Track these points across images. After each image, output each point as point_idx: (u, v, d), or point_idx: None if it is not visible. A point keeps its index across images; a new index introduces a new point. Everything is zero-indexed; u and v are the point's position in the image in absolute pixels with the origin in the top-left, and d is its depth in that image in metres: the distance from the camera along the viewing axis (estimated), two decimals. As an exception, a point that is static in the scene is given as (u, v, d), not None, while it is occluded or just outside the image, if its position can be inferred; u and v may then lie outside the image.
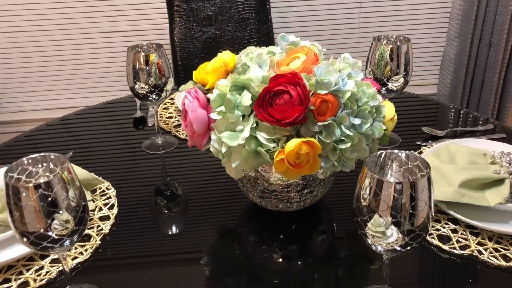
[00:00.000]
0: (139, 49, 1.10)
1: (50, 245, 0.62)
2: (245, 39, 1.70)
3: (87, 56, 2.23)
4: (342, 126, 0.75)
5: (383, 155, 0.67)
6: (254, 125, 0.74)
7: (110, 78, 2.28)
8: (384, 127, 0.80)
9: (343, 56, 0.83)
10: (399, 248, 0.62)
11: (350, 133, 0.75)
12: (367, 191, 0.61)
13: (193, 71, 0.84)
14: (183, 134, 1.19)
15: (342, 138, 0.75)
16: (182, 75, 1.73)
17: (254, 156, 0.75)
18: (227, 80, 0.79)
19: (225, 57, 0.82)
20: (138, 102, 1.34)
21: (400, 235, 0.61)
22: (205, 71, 0.81)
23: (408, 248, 0.62)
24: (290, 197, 0.85)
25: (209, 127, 0.80)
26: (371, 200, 0.61)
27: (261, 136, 0.74)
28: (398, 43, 1.05)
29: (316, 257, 0.82)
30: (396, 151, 0.67)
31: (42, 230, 0.61)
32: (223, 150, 0.76)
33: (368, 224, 0.62)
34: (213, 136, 0.78)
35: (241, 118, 0.76)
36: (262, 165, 0.78)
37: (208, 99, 0.80)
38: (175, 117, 1.27)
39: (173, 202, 0.98)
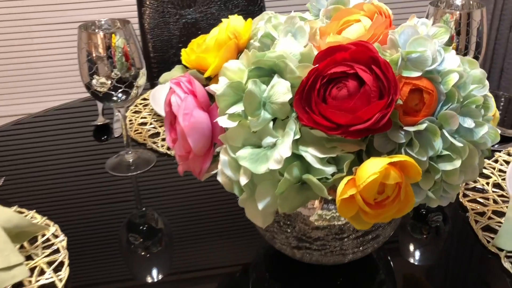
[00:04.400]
0: (96, 27, 0.77)
1: None
2: (232, 24, 1.38)
3: (32, 54, 1.85)
4: (445, 132, 0.44)
5: None
6: (297, 136, 0.42)
7: (60, 78, 1.89)
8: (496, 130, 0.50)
9: (418, 20, 0.51)
10: None
11: (459, 144, 0.44)
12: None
13: (182, 50, 0.52)
14: (163, 146, 0.86)
15: (446, 152, 0.44)
16: (156, 70, 1.39)
17: (298, 189, 0.43)
18: (242, 60, 0.47)
19: (235, 23, 0.49)
20: (100, 104, 1.00)
21: None
22: (202, 48, 0.49)
23: None
24: (344, 247, 0.53)
25: (214, 141, 0.48)
26: None
27: (310, 154, 0.42)
28: (468, 8, 0.75)
29: None
30: None
31: None
32: (242, 181, 0.43)
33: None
34: (222, 157, 0.45)
35: (272, 124, 0.44)
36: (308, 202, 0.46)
37: (210, 94, 0.48)
38: (151, 123, 0.94)
39: (153, 240, 0.66)
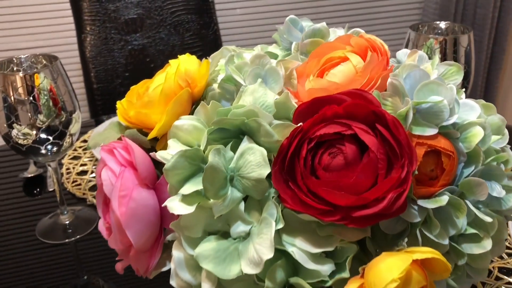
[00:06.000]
0: (15, 65, 0.63)
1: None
2: (184, 48, 1.26)
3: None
4: (469, 204, 0.33)
5: None
6: (280, 225, 0.30)
7: None
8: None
9: (412, 54, 0.41)
10: None
11: (487, 218, 0.33)
12: None
13: (118, 102, 0.39)
14: (106, 201, 0.72)
15: (471, 230, 0.34)
16: (100, 103, 1.25)
17: (283, 296, 0.32)
18: (199, 114, 0.35)
19: (187, 67, 0.37)
20: (30, 150, 0.85)
21: None
22: (144, 100, 0.37)
23: None
24: None
25: (165, 226, 0.35)
26: None
27: (299, 249, 0.30)
28: (453, 33, 0.66)
29: None
30: None
31: None
32: (206, 287, 0.31)
33: None
34: (175, 254, 0.33)
35: (243, 204, 0.32)
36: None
37: (157, 162, 0.35)
38: (92, 172, 0.80)
39: None
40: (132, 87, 0.40)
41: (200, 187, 0.32)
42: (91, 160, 0.83)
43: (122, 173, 0.32)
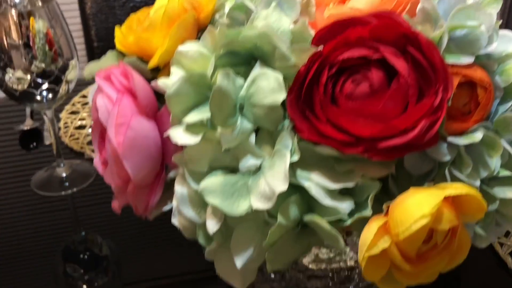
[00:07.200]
0: (7, 5, 0.59)
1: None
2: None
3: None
4: (505, 144, 0.30)
5: None
6: (295, 158, 0.27)
7: None
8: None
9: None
10: None
11: (524, 160, 0.30)
12: None
13: (116, 28, 0.36)
14: (105, 156, 0.69)
15: (505, 173, 0.30)
16: (101, 62, 1.21)
17: (296, 237, 0.29)
18: (205, 41, 0.31)
19: (193, -11, 0.33)
20: (27, 104, 0.82)
21: None
22: (145, 25, 0.33)
23: None
24: (351, 297, 0.39)
25: (166, 162, 0.32)
26: None
27: (315, 184, 0.27)
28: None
29: None
30: None
31: None
32: (211, 226, 0.28)
33: None
34: (178, 189, 0.30)
35: (253, 136, 0.29)
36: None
37: (159, 94, 0.32)
38: (91, 127, 0.77)
39: (96, 270, 0.50)
40: (131, 14, 0.36)
41: (206, 115, 0.28)
42: (90, 115, 0.79)
43: (119, 100, 0.29)
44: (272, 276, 0.39)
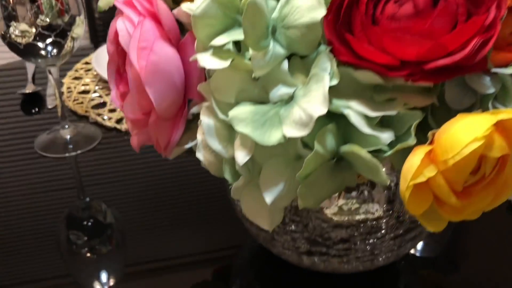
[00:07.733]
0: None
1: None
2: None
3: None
4: (553, 77, 0.28)
5: None
6: (334, 81, 0.25)
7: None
8: None
9: None
10: None
11: None
12: None
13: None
14: (110, 119, 0.67)
15: (552, 107, 0.28)
16: (102, 34, 1.18)
17: (331, 170, 0.27)
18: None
19: None
20: (29, 68, 0.79)
21: None
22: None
23: None
24: (376, 251, 0.37)
25: (189, 96, 0.30)
26: None
27: (354, 112, 0.25)
28: None
29: None
30: None
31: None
32: (240, 158, 0.26)
33: None
34: (204, 120, 0.28)
35: (286, 63, 0.27)
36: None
37: (181, 24, 0.30)
38: (95, 91, 0.75)
39: (100, 238, 0.48)
40: None
41: (236, 37, 0.26)
42: (93, 81, 0.77)
43: (142, 22, 0.27)
44: (293, 227, 0.37)
